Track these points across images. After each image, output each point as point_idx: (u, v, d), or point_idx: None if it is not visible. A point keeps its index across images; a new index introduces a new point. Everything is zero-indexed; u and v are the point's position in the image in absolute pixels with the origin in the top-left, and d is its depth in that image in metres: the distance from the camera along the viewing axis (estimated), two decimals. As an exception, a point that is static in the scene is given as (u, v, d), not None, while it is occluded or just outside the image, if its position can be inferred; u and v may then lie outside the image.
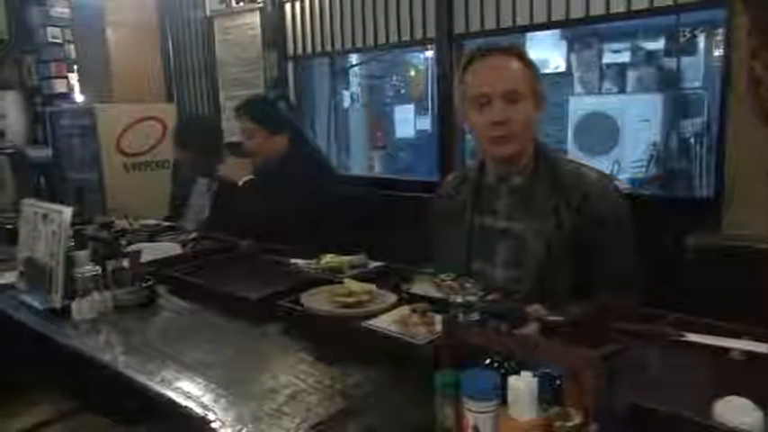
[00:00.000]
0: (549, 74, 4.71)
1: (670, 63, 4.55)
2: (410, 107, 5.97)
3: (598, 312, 1.12)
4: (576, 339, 0.87)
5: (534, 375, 0.70)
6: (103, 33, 3.63)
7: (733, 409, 0.74)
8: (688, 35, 4.31)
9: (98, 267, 1.37)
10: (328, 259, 1.51)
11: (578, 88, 4.79)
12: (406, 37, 2.69)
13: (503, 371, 0.73)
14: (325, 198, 2.20)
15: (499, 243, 1.45)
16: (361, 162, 4.81)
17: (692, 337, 1.03)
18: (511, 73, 1.38)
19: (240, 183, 2.21)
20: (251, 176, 2.21)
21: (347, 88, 5.08)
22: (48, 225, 1.44)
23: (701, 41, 4.36)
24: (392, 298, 1.24)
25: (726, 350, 0.97)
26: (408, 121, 5.99)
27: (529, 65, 1.41)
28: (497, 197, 1.48)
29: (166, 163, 3.56)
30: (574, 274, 1.36)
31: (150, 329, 1.29)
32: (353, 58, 4.47)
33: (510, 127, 1.37)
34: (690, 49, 4.40)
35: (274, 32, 3.21)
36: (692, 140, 4.24)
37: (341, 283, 1.31)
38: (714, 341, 1.00)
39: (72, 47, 4.68)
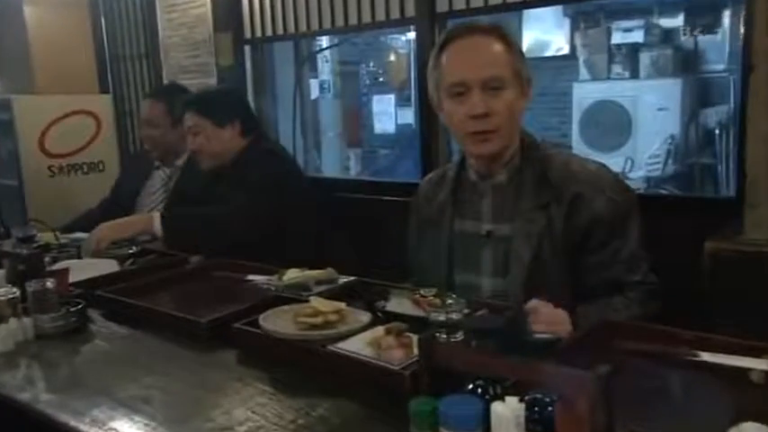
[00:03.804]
0: (549, 57, 4.79)
1: (689, 43, 4.63)
2: (390, 97, 6.01)
3: (598, 328, 1.15)
4: (570, 359, 0.90)
5: (522, 401, 0.72)
6: (21, 11, 3.60)
7: (748, 436, 0.77)
8: (709, 10, 4.39)
9: (16, 290, 1.36)
10: (291, 274, 1.52)
11: (584, 73, 4.87)
12: (381, 17, 2.71)
13: (487, 397, 0.75)
14: (290, 204, 2.20)
15: (484, 250, 1.48)
16: (334, 162, 4.81)
17: (709, 357, 1.06)
18: (491, 57, 1.40)
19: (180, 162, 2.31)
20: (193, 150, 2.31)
21: (316, 77, 5.09)
22: (-44, 240, 1.43)
23: (726, 17, 4.44)
24: (365, 317, 1.26)
25: (745, 371, 1.01)
26: (388, 114, 6.02)
27: (512, 46, 1.44)
28: (480, 197, 1.51)
29: (101, 164, 3.53)
30: (568, 276, 1.40)
31: (79, 361, 1.29)
32: (323, 41, 4.50)
33: (492, 120, 1.39)
34: (712, 26, 4.49)
35: (228, 11, 3.21)
36: (717, 132, 4.32)
37: (306, 301, 1.32)
38: (733, 361, 1.04)
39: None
